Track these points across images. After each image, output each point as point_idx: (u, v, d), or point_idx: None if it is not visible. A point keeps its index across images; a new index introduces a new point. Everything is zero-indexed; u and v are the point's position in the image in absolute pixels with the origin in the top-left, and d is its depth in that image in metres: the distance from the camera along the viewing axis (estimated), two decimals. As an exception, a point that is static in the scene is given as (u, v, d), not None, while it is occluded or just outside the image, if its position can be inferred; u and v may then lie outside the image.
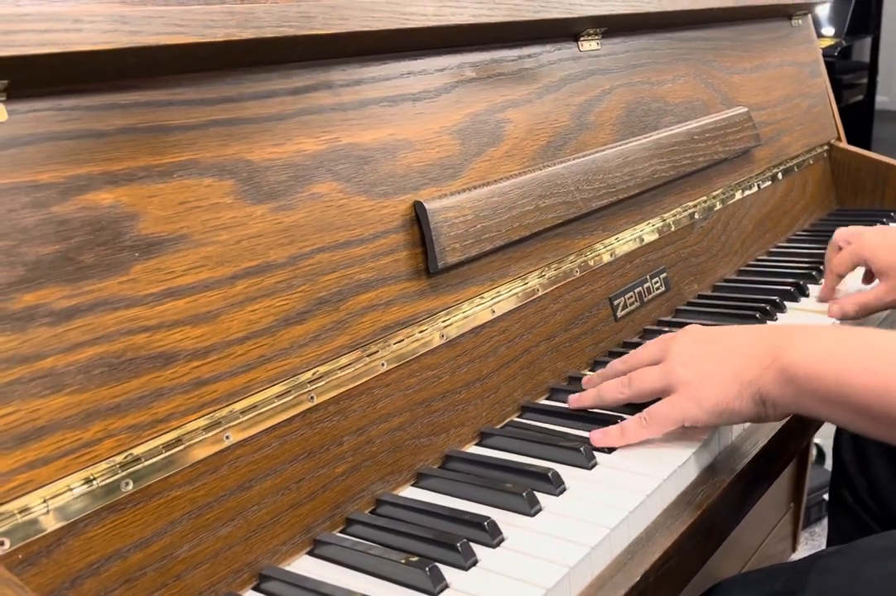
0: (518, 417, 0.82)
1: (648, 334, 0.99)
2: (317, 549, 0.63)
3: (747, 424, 0.79)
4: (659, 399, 0.73)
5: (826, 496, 1.76)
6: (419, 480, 0.72)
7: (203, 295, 0.58)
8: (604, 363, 0.91)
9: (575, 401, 0.79)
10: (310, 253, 0.65)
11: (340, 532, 0.65)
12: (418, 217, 0.74)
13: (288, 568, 0.62)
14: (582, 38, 0.97)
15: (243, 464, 0.60)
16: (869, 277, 1.04)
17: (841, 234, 1.03)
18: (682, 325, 1.00)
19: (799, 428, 0.84)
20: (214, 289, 0.59)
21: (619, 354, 0.93)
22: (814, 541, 1.73)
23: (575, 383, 0.88)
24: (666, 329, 1.00)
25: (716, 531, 0.72)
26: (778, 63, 1.39)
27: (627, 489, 0.66)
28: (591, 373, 0.90)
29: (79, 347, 0.52)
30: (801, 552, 1.69)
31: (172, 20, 0.54)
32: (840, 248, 1.02)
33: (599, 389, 0.77)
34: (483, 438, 0.78)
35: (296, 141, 0.66)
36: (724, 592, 0.71)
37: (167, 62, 0.57)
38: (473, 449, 0.77)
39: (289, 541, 0.62)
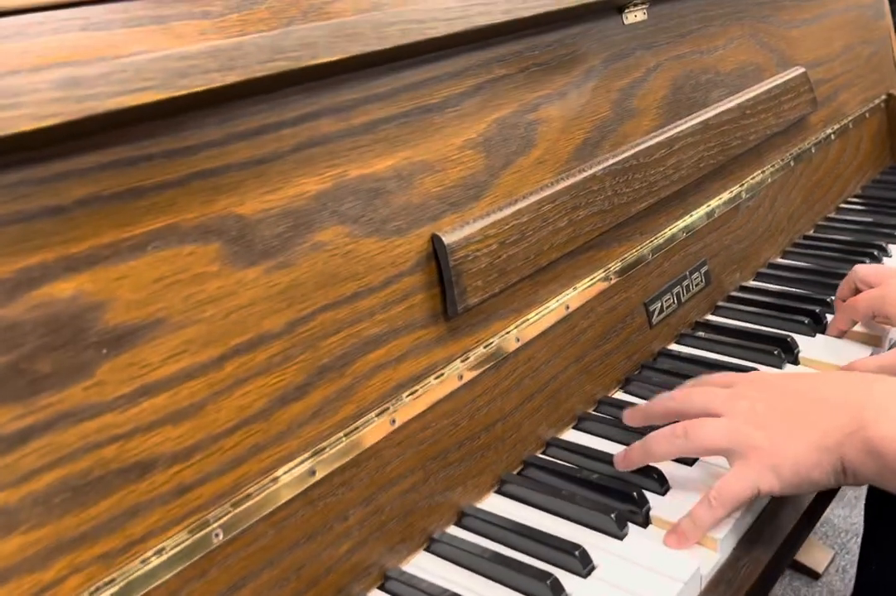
0: (542, 453, 0.75)
1: (684, 339, 0.91)
2: (318, 642, 0.58)
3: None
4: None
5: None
6: (431, 544, 0.65)
7: (185, 386, 0.50)
8: (635, 381, 0.84)
9: (622, 462, 0.68)
10: (310, 315, 0.57)
11: (344, 616, 0.60)
12: (436, 252, 0.64)
13: (285, 671, 0.56)
14: (627, 10, 0.84)
15: (234, 561, 0.53)
16: None
17: (861, 273, 0.87)
18: (719, 329, 0.93)
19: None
20: (198, 377, 0.51)
21: (653, 370, 0.86)
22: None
23: (604, 408, 0.81)
24: (701, 334, 0.91)
25: None
26: (841, 9, 1.24)
27: (665, 575, 0.60)
28: (625, 397, 0.82)
29: (35, 475, 0.44)
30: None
31: (140, 73, 0.44)
32: (857, 291, 0.87)
33: (648, 442, 0.66)
34: (502, 485, 0.71)
35: (295, 183, 0.56)
36: None
37: (132, 120, 0.47)
38: (492, 498, 0.70)
39: (286, 638, 0.56)
